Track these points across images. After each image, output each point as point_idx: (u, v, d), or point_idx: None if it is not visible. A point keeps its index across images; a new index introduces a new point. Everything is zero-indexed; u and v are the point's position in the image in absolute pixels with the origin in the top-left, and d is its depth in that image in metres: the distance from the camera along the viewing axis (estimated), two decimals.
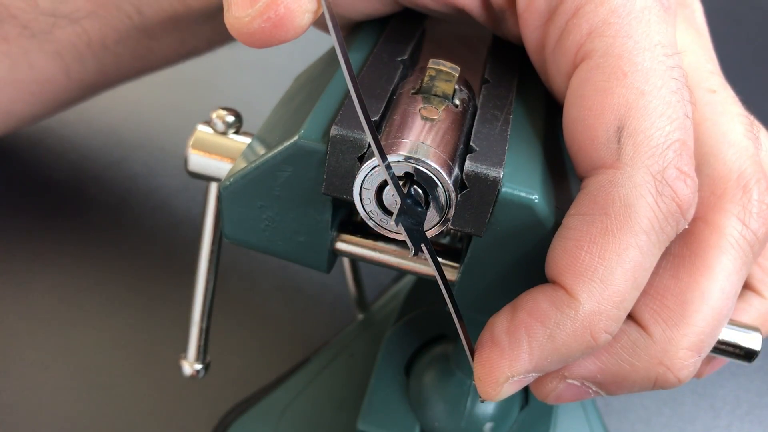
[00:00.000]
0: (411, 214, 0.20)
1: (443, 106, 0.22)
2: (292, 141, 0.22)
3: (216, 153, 0.27)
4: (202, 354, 0.31)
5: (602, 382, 0.23)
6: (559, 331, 0.21)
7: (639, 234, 0.21)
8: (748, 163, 0.24)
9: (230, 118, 0.27)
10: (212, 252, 0.29)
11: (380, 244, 0.25)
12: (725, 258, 0.23)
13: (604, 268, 0.20)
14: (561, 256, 0.21)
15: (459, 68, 0.24)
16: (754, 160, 0.24)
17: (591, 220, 0.21)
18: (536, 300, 0.21)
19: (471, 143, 0.22)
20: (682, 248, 0.24)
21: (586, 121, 0.22)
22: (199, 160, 0.27)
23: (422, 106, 0.22)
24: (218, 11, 0.37)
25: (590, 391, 0.24)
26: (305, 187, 0.23)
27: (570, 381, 0.23)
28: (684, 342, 0.23)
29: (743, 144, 0.25)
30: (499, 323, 0.22)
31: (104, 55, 0.38)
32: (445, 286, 0.22)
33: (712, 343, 0.24)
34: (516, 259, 0.23)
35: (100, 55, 0.38)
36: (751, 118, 0.26)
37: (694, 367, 0.23)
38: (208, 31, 0.39)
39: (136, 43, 0.38)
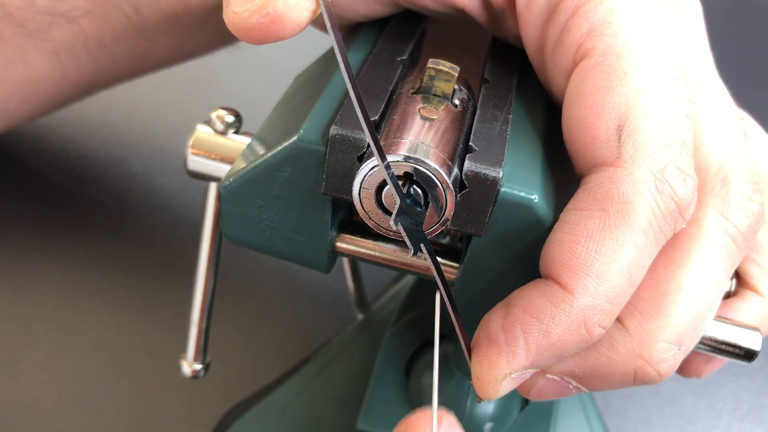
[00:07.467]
0: (410, 214, 0.20)
1: (443, 106, 0.22)
2: (291, 141, 0.22)
3: (216, 153, 0.27)
4: (202, 354, 0.31)
5: (581, 376, 0.23)
6: (554, 326, 0.21)
7: (637, 231, 0.20)
8: (730, 155, 0.24)
9: (230, 118, 0.27)
10: (212, 252, 0.29)
11: (380, 244, 0.25)
12: (704, 250, 0.23)
13: (600, 264, 0.20)
14: (557, 250, 0.21)
15: (458, 68, 0.24)
16: (737, 152, 0.24)
17: (589, 216, 0.21)
18: (530, 296, 0.21)
19: (470, 143, 0.22)
20: None
21: (586, 119, 0.22)
22: (198, 160, 0.27)
23: (422, 105, 0.22)
24: (216, 13, 0.37)
25: (571, 386, 0.24)
26: (305, 187, 0.23)
27: (549, 376, 0.23)
28: (661, 334, 0.22)
29: (727, 137, 0.24)
30: (494, 321, 0.21)
31: (101, 55, 0.38)
32: (444, 286, 0.22)
33: (695, 337, 0.23)
34: (515, 259, 0.23)
35: (97, 55, 0.38)
36: (740, 112, 0.26)
37: (674, 360, 0.23)
38: (206, 33, 0.39)
39: (134, 43, 0.38)
